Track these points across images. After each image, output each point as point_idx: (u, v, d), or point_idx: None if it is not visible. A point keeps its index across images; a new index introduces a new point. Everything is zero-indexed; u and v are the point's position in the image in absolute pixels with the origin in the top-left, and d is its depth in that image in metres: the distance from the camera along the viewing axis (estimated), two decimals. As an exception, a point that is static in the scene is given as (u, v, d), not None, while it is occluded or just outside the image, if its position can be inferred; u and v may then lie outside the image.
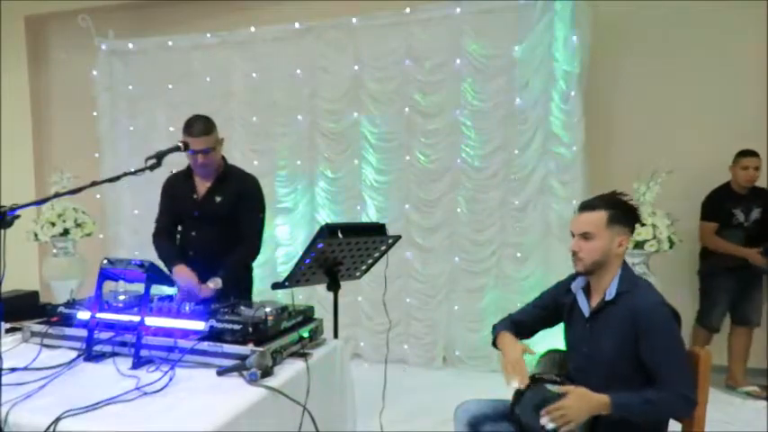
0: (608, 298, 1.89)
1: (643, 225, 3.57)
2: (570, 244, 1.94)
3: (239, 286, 2.65)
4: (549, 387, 1.81)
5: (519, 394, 1.91)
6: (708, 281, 3.91)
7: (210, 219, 2.69)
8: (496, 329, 2.10)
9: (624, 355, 1.82)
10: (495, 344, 2.09)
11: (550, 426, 1.70)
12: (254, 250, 2.78)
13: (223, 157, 2.77)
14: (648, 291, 1.88)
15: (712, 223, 3.83)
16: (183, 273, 2.48)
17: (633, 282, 1.91)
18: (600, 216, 1.88)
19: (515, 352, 1.95)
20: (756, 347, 3.93)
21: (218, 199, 2.69)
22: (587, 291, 2.00)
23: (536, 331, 2.14)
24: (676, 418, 1.85)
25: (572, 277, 2.08)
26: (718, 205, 3.83)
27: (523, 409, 1.87)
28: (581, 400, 1.73)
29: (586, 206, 1.93)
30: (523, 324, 2.11)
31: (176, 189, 2.80)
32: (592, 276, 1.95)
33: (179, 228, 2.83)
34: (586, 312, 1.96)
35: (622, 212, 1.91)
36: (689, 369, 1.79)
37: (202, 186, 2.73)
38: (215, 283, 2.45)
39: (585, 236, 1.89)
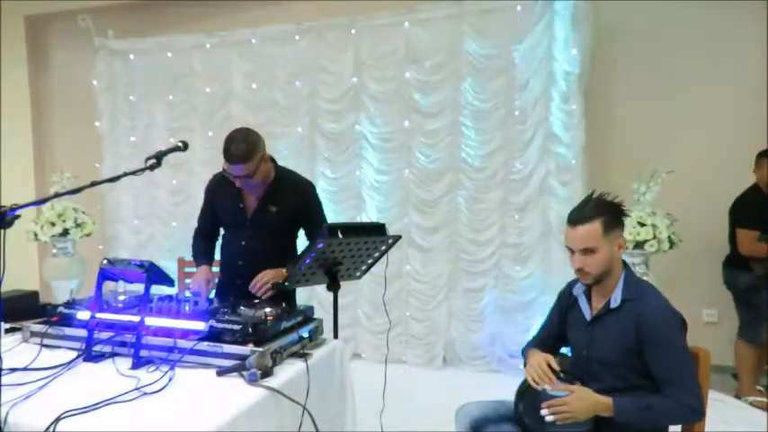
0: (613, 305, 1.87)
1: (643, 225, 3.57)
2: (572, 260, 1.90)
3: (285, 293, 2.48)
4: (550, 389, 1.82)
5: (522, 394, 1.92)
6: (752, 293, 3.57)
7: (263, 229, 2.50)
8: (525, 351, 2.09)
9: (625, 361, 1.82)
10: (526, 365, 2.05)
11: (549, 418, 1.74)
12: None
13: (273, 161, 2.51)
14: (654, 297, 1.86)
15: (754, 231, 3.48)
16: (200, 277, 2.39)
17: (638, 287, 1.89)
18: (596, 227, 1.82)
19: (539, 355, 1.94)
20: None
21: (273, 209, 2.48)
22: (588, 294, 1.99)
23: (558, 348, 2.12)
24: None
25: (571, 283, 2.08)
26: (756, 210, 3.51)
27: (526, 408, 1.88)
28: (582, 400, 1.74)
29: (579, 219, 1.86)
30: (544, 343, 2.10)
31: (219, 194, 2.58)
32: (598, 284, 1.93)
33: (221, 231, 2.68)
34: (588, 316, 1.96)
35: (613, 215, 1.87)
36: (695, 378, 1.77)
37: (251, 195, 2.49)
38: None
39: (587, 251, 1.84)
